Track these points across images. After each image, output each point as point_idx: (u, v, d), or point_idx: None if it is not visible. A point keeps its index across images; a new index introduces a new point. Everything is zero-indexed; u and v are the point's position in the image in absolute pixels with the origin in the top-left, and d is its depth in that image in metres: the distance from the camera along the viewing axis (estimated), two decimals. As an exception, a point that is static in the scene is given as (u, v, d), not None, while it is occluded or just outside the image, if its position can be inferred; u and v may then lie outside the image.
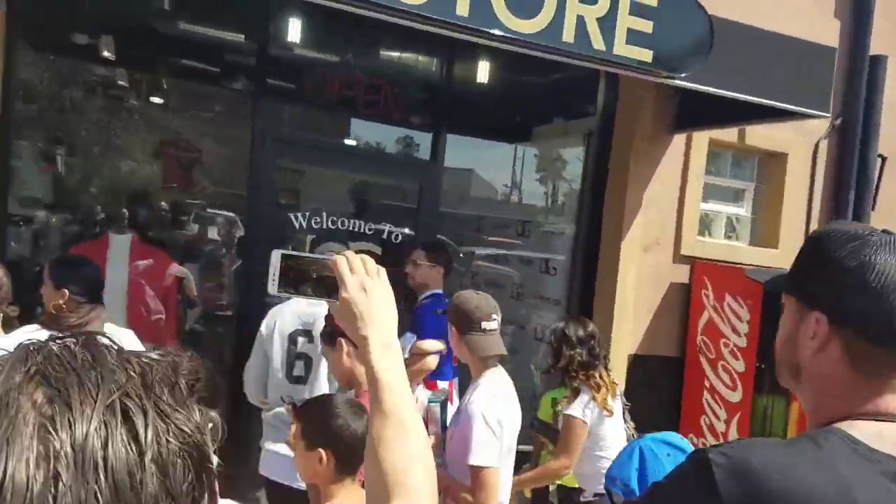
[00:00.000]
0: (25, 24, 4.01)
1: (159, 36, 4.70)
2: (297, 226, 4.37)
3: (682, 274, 5.25)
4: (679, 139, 5.18)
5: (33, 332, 2.73)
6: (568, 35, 3.29)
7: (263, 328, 3.36)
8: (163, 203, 5.57)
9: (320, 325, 2.93)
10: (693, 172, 5.21)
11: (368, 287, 1.03)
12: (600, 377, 3.34)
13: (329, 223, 4.46)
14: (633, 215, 5.03)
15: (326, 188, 4.99)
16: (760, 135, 5.35)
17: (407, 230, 4.73)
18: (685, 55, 3.54)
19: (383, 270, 1.08)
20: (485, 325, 2.60)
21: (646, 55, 3.44)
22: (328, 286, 1.06)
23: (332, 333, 2.48)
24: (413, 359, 3.53)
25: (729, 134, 5.30)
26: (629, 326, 5.08)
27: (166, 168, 5.50)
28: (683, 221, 5.21)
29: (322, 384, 3.31)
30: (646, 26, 3.43)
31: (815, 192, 5.60)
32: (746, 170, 5.65)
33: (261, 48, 4.42)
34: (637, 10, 3.40)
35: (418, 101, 4.77)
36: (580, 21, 3.30)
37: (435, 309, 3.85)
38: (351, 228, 4.54)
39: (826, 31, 5.44)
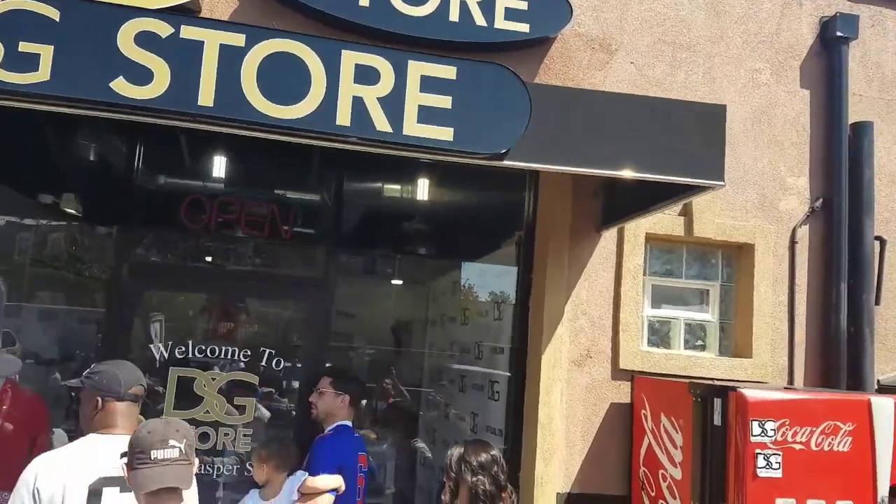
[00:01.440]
0: None
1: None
2: (157, 356, 4.03)
3: (623, 392, 4.39)
4: (610, 238, 4.53)
5: None
6: (343, 118, 2.89)
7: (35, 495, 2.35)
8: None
9: None
10: (628, 273, 4.48)
11: None
12: None
13: (196, 352, 4.10)
14: (553, 325, 4.32)
15: (198, 315, 4.67)
16: (715, 225, 4.60)
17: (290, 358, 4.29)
18: (495, 130, 3.03)
19: None
20: (155, 453, 2.09)
21: (445, 133, 2.97)
22: None
23: None
24: (303, 498, 3.27)
25: (674, 225, 4.58)
26: (558, 458, 4.22)
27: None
28: (620, 329, 4.42)
29: None
30: (443, 102, 2.99)
31: (799, 287, 4.65)
32: (711, 268, 4.82)
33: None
34: (431, 86, 2.98)
35: (306, 218, 4.48)
36: (358, 102, 2.91)
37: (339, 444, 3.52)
38: (224, 356, 4.15)
39: (793, 102, 4.77)
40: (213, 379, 4.06)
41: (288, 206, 4.50)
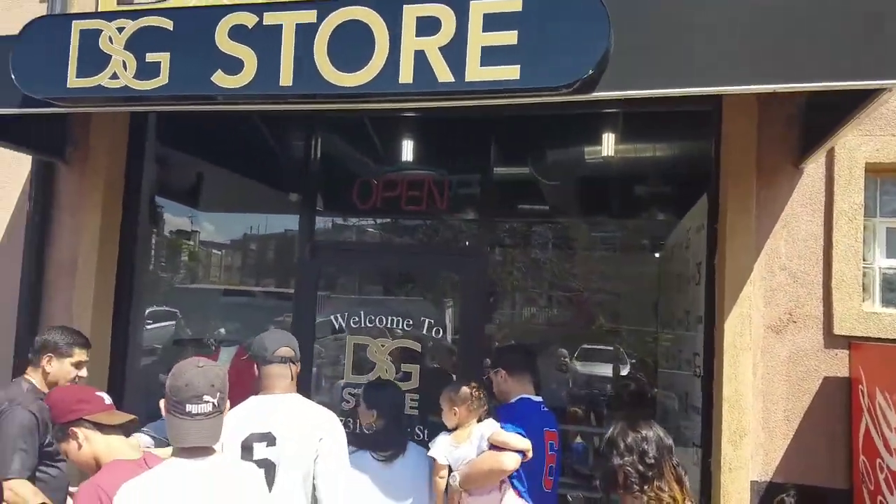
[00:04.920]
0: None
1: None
2: (336, 326, 4.42)
3: (840, 364, 3.51)
4: (816, 173, 3.66)
5: None
6: (406, 75, 2.82)
7: None
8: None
9: (283, 425, 2.74)
10: (842, 215, 3.58)
11: None
12: (669, 494, 2.36)
13: (367, 322, 4.39)
14: (738, 285, 3.64)
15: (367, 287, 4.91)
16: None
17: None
18: (569, 58, 2.65)
19: None
20: (190, 407, 2.21)
21: (511, 72, 2.70)
22: None
23: (63, 428, 2.48)
24: (492, 449, 3.06)
25: (913, 149, 3.53)
26: (751, 441, 3.54)
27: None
28: (833, 286, 3.54)
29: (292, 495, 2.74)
30: (508, 38, 2.72)
31: None
32: (977, 198, 3.60)
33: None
34: (495, 24, 2.74)
35: (462, 189, 4.50)
36: (420, 56, 2.81)
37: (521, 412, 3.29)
38: (389, 325, 4.37)
39: None
40: (383, 346, 4.29)
41: (447, 179, 4.54)
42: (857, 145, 3.57)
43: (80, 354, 3.30)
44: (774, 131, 3.67)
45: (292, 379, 2.90)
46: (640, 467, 2.39)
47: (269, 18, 3.01)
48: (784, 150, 3.67)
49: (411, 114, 4.36)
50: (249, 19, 3.04)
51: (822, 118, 3.38)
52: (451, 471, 3.12)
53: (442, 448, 3.17)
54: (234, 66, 3.03)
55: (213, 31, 3.07)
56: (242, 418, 2.73)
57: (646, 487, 2.36)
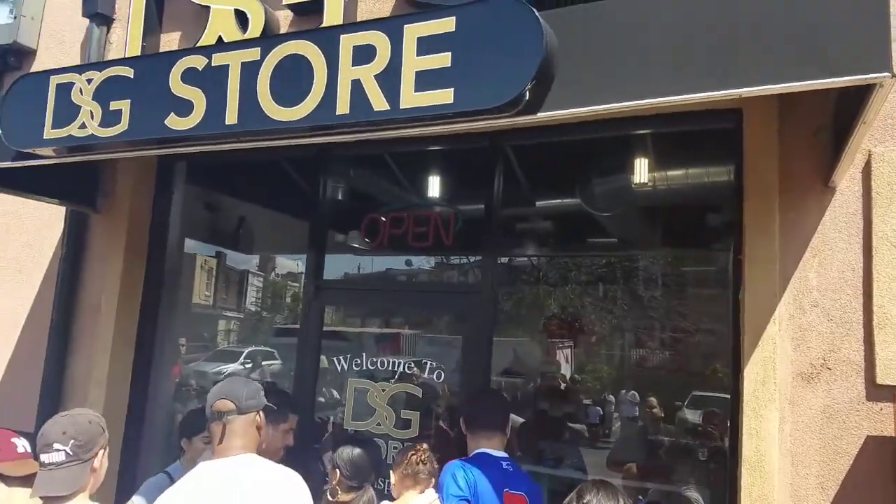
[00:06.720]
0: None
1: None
2: (339, 369, 4.28)
3: (885, 420, 2.92)
4: (851, 192, 3.14)
5: None
6: (343, 106, 2.65)
7: None
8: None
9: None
10: (884, 240, 3.03)
11: None
12: None
13: (368, 364, 4.21)
14: (759, 324, 3.15)
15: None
16: None
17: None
18: (502, 78, 2.37)
19: None
20: (43, 457, 2.16)
21: (444, 96, 2.46)
22: None
23: None
24: None
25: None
26: (776, 512, 3.00)
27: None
28: (875, 326, 2.98)
29: None
30: (442, 61, 2.49)
31: None
32: None
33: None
34: (429, 47, 2.53)
35: (469, 225, 4.26)
36: (356, 85, 2.64)
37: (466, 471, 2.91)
38: (391, 368, 4.16)
39: None
40: (384, 390, 4.07)
41: (453, 214, 4.33)
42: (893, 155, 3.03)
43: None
44: (800, 146, 3.19)
45: (238, 436, 2.33)
46: None
47: (218, 59, 2.96)
48: (812, 167, 3.17)
49: (415, 147, 4.16)
50: (200, 62, 3.00)
51: (849, 129, 2.89)
52: None
53: None
54: (184, 108, 3.00)
55: (167, 76, 3.05)
56: (187, 492, 2.28)
57: None
